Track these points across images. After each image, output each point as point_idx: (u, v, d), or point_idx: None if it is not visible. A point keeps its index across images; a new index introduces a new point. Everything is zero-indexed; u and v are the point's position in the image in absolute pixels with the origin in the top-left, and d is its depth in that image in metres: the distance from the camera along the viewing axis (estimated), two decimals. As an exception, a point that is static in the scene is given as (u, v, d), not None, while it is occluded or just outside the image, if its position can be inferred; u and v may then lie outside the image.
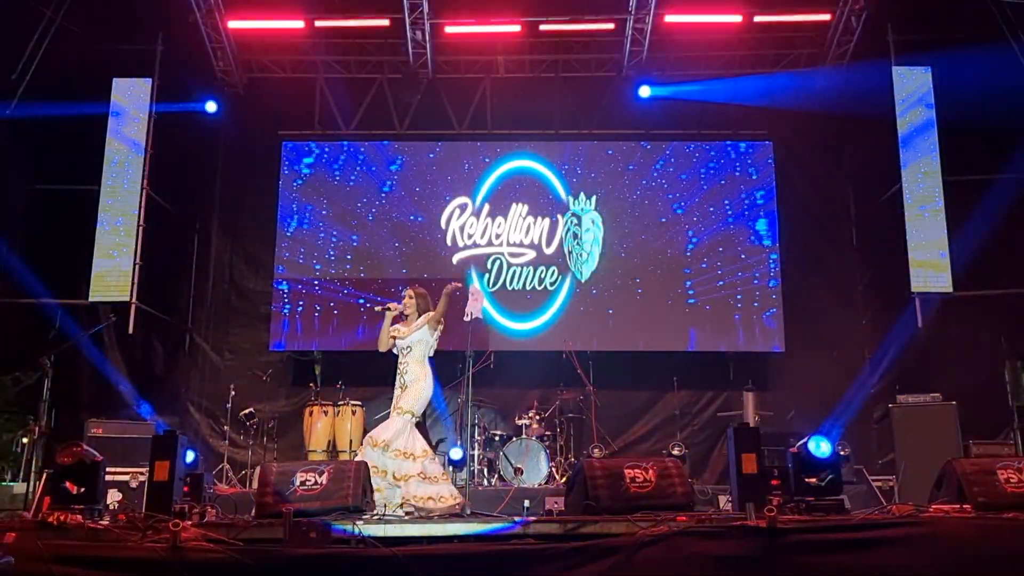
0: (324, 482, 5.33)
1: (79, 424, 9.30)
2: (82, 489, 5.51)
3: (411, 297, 7.09)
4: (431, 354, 7.02)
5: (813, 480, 5.53)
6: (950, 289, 10.01)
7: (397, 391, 6.87)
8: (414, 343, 6.90)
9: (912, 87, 10.53)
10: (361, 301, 11.00)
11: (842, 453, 8.68)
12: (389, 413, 6.88)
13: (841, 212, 11.55)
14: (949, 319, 10.30)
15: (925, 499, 6.20)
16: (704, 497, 8.45)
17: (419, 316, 6.99)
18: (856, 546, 4.81)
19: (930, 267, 10.08)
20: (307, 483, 5.32)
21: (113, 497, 7.87)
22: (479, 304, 6.91)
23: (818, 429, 5.66)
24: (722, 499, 8.17)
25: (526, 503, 5.43)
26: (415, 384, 6.82)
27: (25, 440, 11.31)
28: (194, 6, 10.55)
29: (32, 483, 9.44)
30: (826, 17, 10.93)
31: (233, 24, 10.97)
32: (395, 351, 6.97)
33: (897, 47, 10.67)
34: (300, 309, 10.95)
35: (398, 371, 6.92)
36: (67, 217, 10.73)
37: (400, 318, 7.08)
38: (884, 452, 10.14)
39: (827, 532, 4.91)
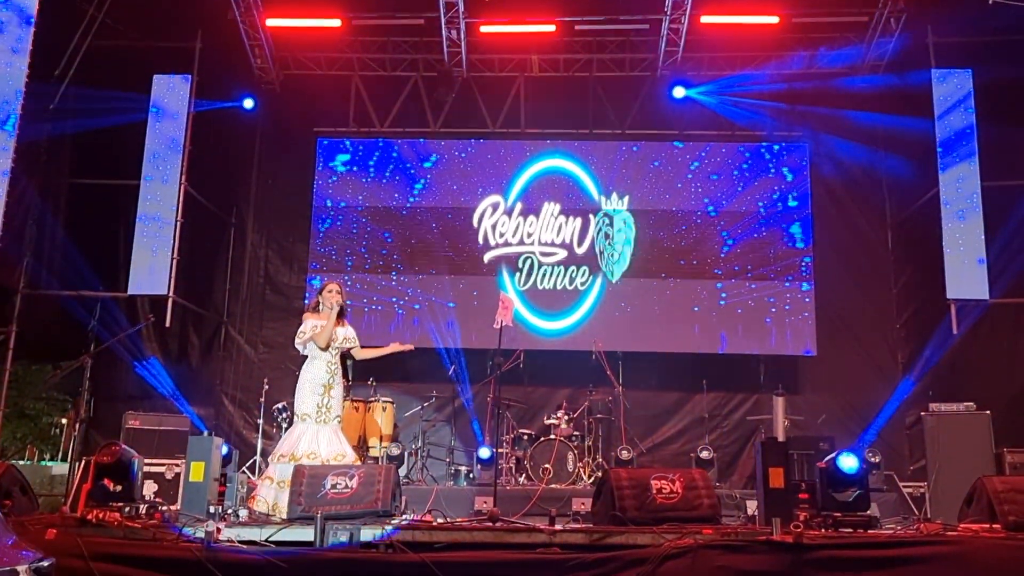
0: (355, 486, 5.41)
1: (117, 414, 9.51)
2: (119, 487, 5.66)
3: (341, 293, 6.72)
4: None
5: (841, 495, 5.51)
6: (987, 296, 9.88)
7: (320, 390, 6.50)
8: (346, 345, 6.69)
9: (952, 90, 10.36)
10: (394, 299, 11.12)
11: (872, 460, 8.68)
12: (322, 422, 6.47)
13: (877, 216, 11.44)
14: (985, 326, 10.19)
15: (956, 509, 6.17)
16: (732, 502, 8.45)
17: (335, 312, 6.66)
18: (883, 564, 4.82)
19: (967, 273, 9.94)
20: (338, 486, 5.40)
21: (149, 488, 8.04)
22: (509, 312, 6.85)
23: (852, 444, 5.61)
24: (750, 505, 8.16)
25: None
26: (340, 385, 6.65)
27: (65, 421, 11.61)
28: (233, 4, 10.69)
29: (71, 466, 9.68)
30: (865, 19, 10.81)
31: (271, 22, 11.10)
32: (331, 350, 6.61)
33: (937, 49, 10.52)
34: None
35: (327, 371, 6.55)
36: (107, 211, 10.95)
37: (316, 311, 6.70)
38: (915, 458, 10.09)
39: (853, 549, 4.92)
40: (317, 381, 6.55)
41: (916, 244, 10.96)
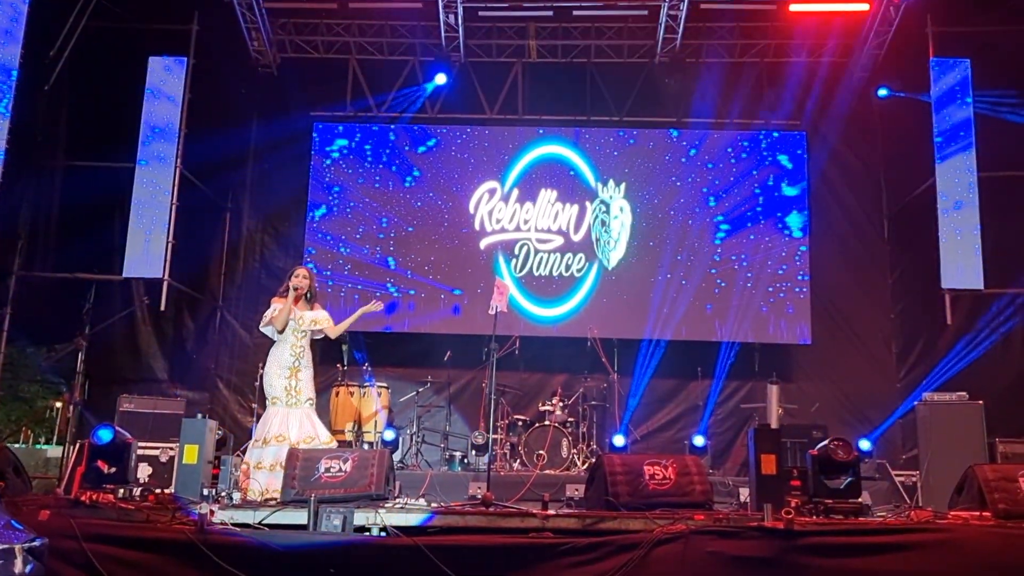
0: (348, 470, 5.43)
1: (111, 397, 9.49)
2: (113, 469, 5.67)
3: (307, 277, 6.77)
4: None
5: (833, 482, 5.54)
6: (981, 286, 9.89)
7: (286, 373, 6.55)
8: (314, 327, 6.71)
9: (950, 80, 10.33)
10: (389, 283, 11.10)
11: (864, 448, 8.72)
12: (292, 405, 6.53)
13: (873, 205, 11.45)
14: (979, 316, 10.20)
15: (947, 499, 6.20)
16: (724, 489, 8.44)
17: (308, 297, 6.76)
18: (873, 551, 4.85)
19: (962, 264, 9.95)
20: (332, 470, 5.42)
21: (143, 472, 8.05)
22: (504, 298, 6.83)
23: (844, 433, 5.64)
24: (743, 491, 8.18)
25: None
26: (309, 369, 6.67)
27: (59, 404, 11.58)
28: (230, -14, 10.62)
29: (65, 449, 9.69)
30: (864, 7, 10.76)
31: (268, 4, 11.03)
32: (292, 333, 6.65)
33: (936, 39, 10.48)
34: (328, 290, 11.03)
35: (292, 355, 6.58)
36: (102, 193, 10.86)
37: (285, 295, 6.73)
38: (908, 447, 10.07)
39: (844, 536, 4.95)
40: (283, 364, 6.59)
41: (912, 234, 10.96)
